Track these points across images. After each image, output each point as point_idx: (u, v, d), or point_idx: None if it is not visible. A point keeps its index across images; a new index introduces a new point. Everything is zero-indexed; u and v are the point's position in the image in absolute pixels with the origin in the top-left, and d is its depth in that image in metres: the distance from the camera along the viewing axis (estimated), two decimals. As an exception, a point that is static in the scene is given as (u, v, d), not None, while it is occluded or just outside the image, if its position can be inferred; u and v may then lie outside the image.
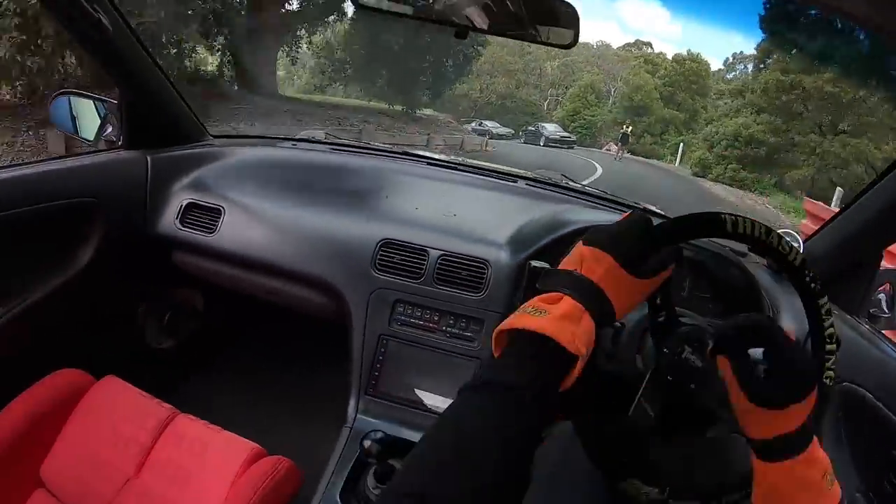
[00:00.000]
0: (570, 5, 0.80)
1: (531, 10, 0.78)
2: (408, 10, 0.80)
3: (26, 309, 1.02)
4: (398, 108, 14.61)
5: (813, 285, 0.51)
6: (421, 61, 14.16)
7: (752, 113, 18.38)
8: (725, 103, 21.82)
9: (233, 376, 1.59)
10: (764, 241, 0.51)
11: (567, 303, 0.49)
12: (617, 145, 21.44)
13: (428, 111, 17.34)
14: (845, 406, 0.82)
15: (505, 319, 0.49)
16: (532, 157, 14.44)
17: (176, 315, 1.42)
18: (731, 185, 16.98)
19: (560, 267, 0.54)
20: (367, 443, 0.82)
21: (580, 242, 0.54)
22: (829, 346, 0.51)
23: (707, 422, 0.57)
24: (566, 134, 22.44)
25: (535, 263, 0.92)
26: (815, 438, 0.46)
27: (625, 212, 1.20)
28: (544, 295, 0.51)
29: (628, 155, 21.00)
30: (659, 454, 0.62)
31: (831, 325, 0.51)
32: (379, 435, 0.82)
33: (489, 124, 22.01)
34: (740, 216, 0.52)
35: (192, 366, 1.53)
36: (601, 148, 23.62)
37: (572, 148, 20.83)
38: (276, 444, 0.94)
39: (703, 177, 18.37)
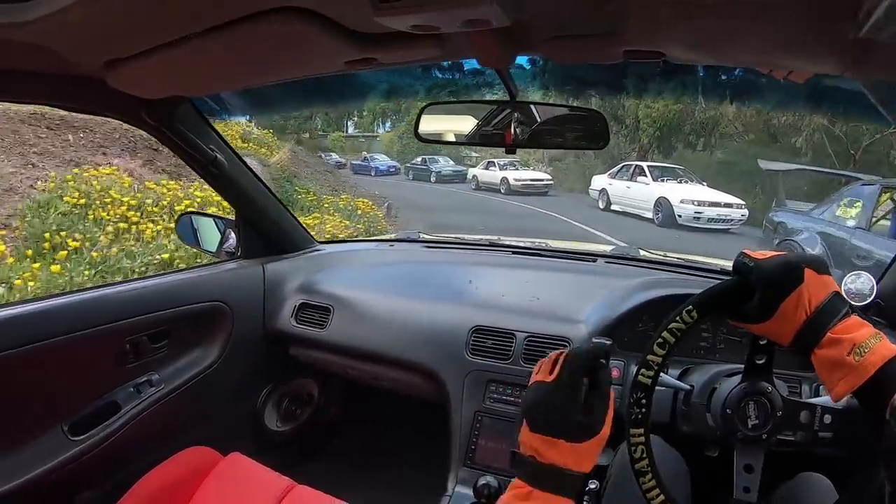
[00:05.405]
0: (597, 113, 0.94)
1: (566, 124, 0.93)
2: (463, 139, 0.99)
3: (165, 395, 1.17)
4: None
5: None
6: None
7: None
8: None
9: (345, 454, 1.71)
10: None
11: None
12: None
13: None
14: None
15: None
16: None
17: (293, 401, 1.59)
18: None
19: (519, 449, 0.55)
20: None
21: (525, 426, 0.54)
22: None
23: None
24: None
25: (595, 340, 0.98)
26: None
27: (701, 276, 1.24)
28: (518, 490, 0.52)
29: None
30: None
31: None
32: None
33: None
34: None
35: (309, 446, 1.67)
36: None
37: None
38: None
39: None
